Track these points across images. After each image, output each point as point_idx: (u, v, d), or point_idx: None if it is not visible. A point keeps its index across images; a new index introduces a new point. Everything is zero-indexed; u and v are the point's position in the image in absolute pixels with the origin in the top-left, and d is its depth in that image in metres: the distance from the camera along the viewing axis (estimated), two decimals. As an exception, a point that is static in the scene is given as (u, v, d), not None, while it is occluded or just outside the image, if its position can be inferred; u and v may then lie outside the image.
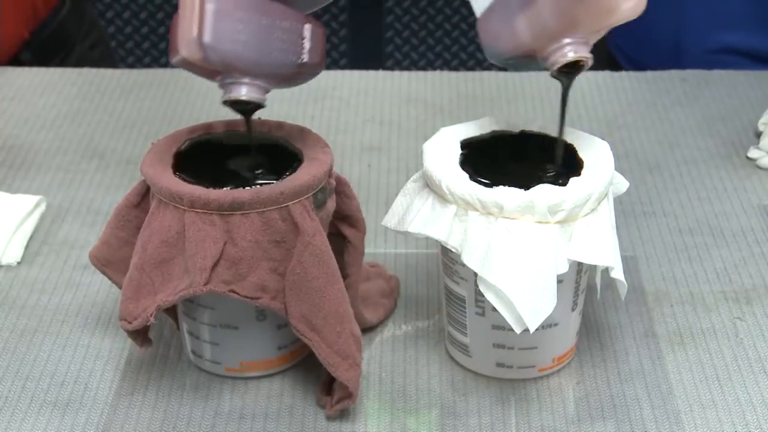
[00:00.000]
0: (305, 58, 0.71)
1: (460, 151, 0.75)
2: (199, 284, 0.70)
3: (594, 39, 0.71)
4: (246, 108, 0.72)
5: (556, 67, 0.70)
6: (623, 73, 1.18)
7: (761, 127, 1.05)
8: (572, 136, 0.77)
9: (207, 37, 0.67)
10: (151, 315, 0.71)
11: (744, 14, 1.20)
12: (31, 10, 1.26)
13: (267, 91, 0.70)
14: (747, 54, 1.22)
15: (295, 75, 0.72)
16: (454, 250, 0.72)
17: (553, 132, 0.77)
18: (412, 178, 0.77)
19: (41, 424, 0.74)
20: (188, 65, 0.69)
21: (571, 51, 0.70)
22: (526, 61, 0.73)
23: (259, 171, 0.73)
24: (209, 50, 0.67)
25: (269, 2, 0.70)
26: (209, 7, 0.67)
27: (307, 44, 0.71)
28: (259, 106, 0.71)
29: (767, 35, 1.20)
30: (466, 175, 0.73)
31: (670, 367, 0.78)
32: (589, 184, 0.72)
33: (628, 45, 1.30)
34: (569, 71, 0.71)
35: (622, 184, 0.77)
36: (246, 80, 0.69)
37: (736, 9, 1.20)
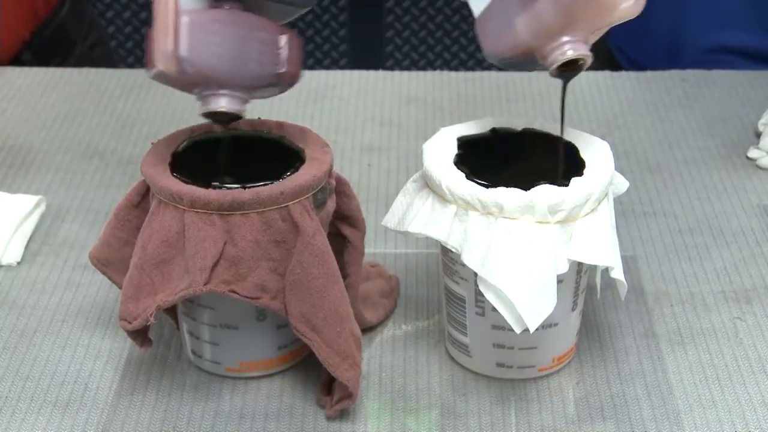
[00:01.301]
0: (282, 68, 0.71)
1: (456, 151, 0.75)
2: (199, 284, 0.70)
3: (593, 38, 0.71)
4: (224, 119, 0.71)
5: (555, 66, 0.70)
6: (623, 73, 1.18)
7: (761, 127, 1.05)
8: (572, 136, 0.77)
9: (183, 51, 0.67)
10: (151, 315, 0.71)
11: (743, 14, 1.20)
12: (32, 11, 1.26)
13: (246, 102, 0.70)
14: (746, 54, 1.22)
15: (272, 85, 0.72)
16: (454, 250, 0.72)
17: (550, 131, 0.77)
18: (412, 178, 0.77)
19: (41, 424, 0.74)
20: (165, 78, 0.69)
21: (570, 49, 0.69)
22: (525, 60, 0.73)
23: (260, 170, 0.73)
24: (185, 63, 0.67)
25: (244, 14, 0.70)
26: (184, 20, 0.67)
27: (283, 54, 0.71)
28: (237, 117, 0.71)
29: (766, 35, 1.20)
30: (463, 175, 0.73)
31: (670, 367, 0.78)
32: (589, 184, 0.72)
33: (627, 44, 1.30)
34: (568, 70, 0.71)
35: (622, 184, 0.77)
36: (224, 92, 0.69)
37: (735, 9, 1.20)
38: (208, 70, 0.68)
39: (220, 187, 0.70)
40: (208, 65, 0.68)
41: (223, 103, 0.69)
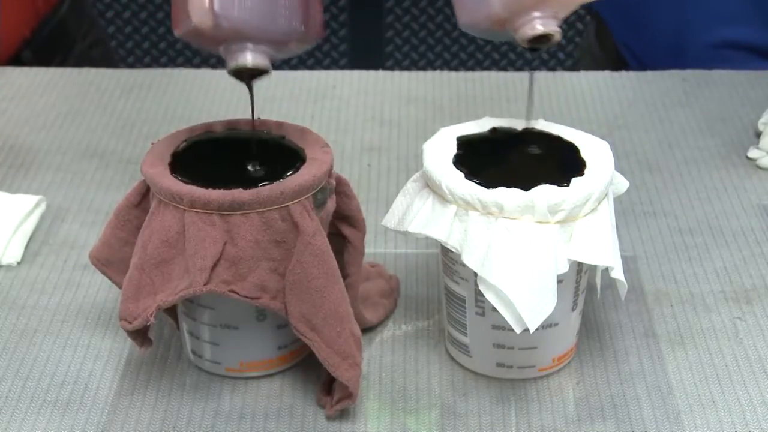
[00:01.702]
0: (308, 24, 0.73)
1: (455, 151, 0.75)
2: (199, 284, 0.70)
3: (563, 14, 0.73)
4: (252, 73, 0.72)
5: (525, 39, 0.72)
6: (623, 73, 1.18)
7: (761, 127, 1.05)
8: (572, 136, 0.77)
9: (218, 6, 0.69)
10: (151, 315, 0.71)
11: (745, 9, 1.20)
12: (33, 9, 1.26)
13: (271, 58, 0.72)
14: (748, 49, 1.22)
15: (298, 42, 0.73)
16: (454, 250, 0.72)
17: (550, 131, 0.78)
18: (412, 178, 0.77)
19: (41, 424, 0.74)
20: (197, 35, 0.70)
21: (540, 24, 0.71)
22: (497, 32, 0.75)
23: (260, 170, 0.73)
24: (221, 18, 0.69)
25: None
26: None
27: (308, 11, 0.73)
28: (264, 71, 0.72)
29: (768, 30, 1.21)
30: (463, 175, 0.73)
31: (670, 367, 0.78)
32: (589, 184, 0.72)
33: (631, 41, 1.30)
34: (538, 44, 0.73)
35: (622, 184, 0.77)
36: (250, 46, 0.71)
37: (738, 4, 1.20)
38: (241, 24, 0.70)
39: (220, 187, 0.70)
40: (242, 19, 0.70)
41: (249, 58, 0.71)
